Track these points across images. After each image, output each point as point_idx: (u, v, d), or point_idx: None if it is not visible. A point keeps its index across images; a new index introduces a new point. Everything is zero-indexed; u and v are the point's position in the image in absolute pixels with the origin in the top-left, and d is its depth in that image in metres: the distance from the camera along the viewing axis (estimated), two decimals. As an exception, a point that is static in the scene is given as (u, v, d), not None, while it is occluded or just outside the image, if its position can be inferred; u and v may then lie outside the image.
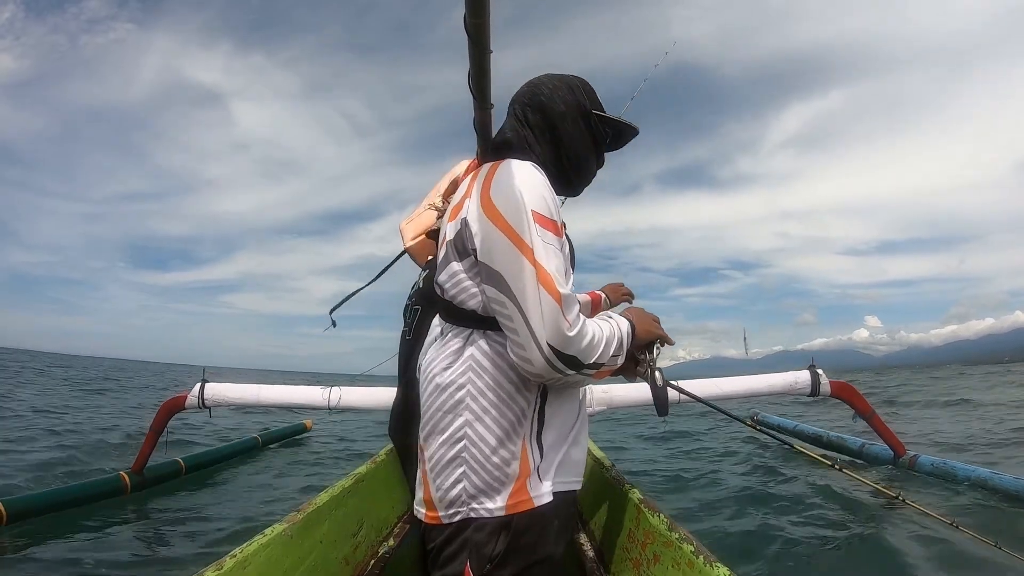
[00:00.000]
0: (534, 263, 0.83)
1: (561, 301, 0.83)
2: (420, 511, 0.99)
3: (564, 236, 0.96)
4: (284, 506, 4.27)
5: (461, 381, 0.94)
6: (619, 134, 1.14)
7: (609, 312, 1.07)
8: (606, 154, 1.17)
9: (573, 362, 0.86)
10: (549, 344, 0.82)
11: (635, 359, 1.16)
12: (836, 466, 1.77)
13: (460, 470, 0.91)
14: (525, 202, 0.87)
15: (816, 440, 6.23)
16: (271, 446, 7.64)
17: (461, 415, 0.92)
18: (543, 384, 0.93)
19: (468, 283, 0.95)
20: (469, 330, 0.96)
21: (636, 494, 1.35)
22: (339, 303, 1.33)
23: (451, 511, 0.93)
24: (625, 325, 1.01)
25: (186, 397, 4.86)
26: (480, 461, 0.91)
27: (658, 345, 1.15)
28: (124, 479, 4.69)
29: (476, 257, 0.92)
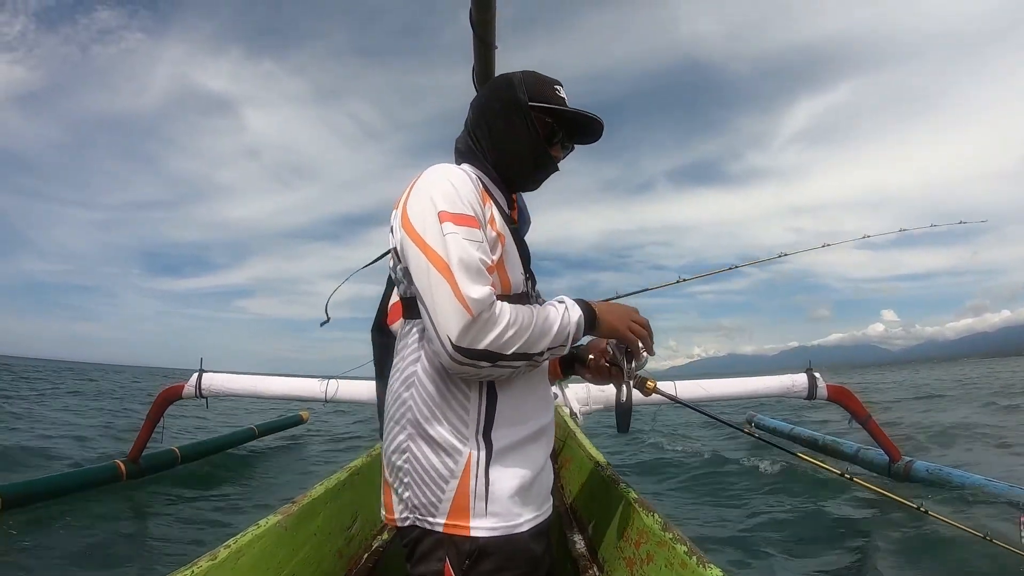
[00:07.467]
0: (436, 259, 0.84)
1: (461, 292, 0.81)
2: (380, 512, 1.01)
3: (486, 229, 0.92)
4: (278, 497, 4.28)
5: (405, 396, 0.95)
6: (577, 125, 1.08)
7: (563, 296, 1.00)
8: (580, 147, 1.12)
9: (485, 355, 0.83)
10: (449, 337, 0.81)
11: (615, 362, 1.14)
12: (846, 475, 1.71)
13: (406, 480, 0.93)
14: (433, 203, 0.89)
15: (812, 443, 6.24)
16: (267, 437, 7.67)
17: (405, 428, 0.94)
18: (487, 405, 0.92)
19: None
20: (421, 325, 0.94)
21: (631, 493, 1.36)
22: (328, 298, 1.32)
23: (403, 516, 0.95)
24: (576, 313, 0.95)
25: (183, 387, 4.87)
26: (420, 475, 0.92)
27: (643, 352, 1.11)
28: (120, 467, 4.70)
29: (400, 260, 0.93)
